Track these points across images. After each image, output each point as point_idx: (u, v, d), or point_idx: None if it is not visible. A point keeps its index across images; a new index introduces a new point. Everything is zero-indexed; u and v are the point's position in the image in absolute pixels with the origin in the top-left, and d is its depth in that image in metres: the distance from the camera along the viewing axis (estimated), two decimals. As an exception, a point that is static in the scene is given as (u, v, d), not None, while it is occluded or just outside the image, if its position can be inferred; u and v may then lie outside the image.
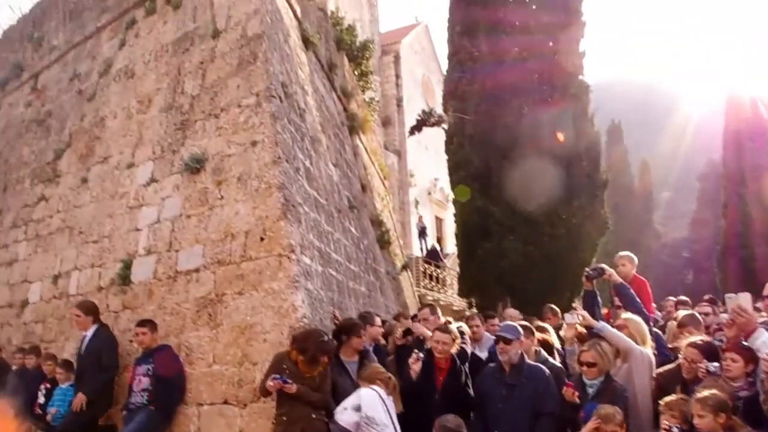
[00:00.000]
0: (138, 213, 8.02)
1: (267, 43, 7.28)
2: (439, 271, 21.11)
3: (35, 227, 9.87)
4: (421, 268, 20.26)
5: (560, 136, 11.56)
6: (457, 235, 13.62)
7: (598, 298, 5.87)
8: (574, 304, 6.76)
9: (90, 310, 6.89)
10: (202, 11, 8.45)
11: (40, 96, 11.72)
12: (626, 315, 5.34)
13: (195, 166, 7.33)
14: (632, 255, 6.72)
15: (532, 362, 5.18)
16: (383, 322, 7.18)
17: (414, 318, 7.10)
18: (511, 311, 8.51)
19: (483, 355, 5.97)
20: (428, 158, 28.39)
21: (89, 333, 6.77)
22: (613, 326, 5.13)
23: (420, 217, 26.43)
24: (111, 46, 10.15)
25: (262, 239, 6.32)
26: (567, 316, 5.55)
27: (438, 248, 23.78)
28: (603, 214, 12.49)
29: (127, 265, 7.70)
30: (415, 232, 25.53)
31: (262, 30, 7.38)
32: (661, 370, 4.89)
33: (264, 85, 6.97)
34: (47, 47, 12.11)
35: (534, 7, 12.22)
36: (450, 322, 5.87)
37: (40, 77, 12.00)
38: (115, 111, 9.30)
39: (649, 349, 5.01)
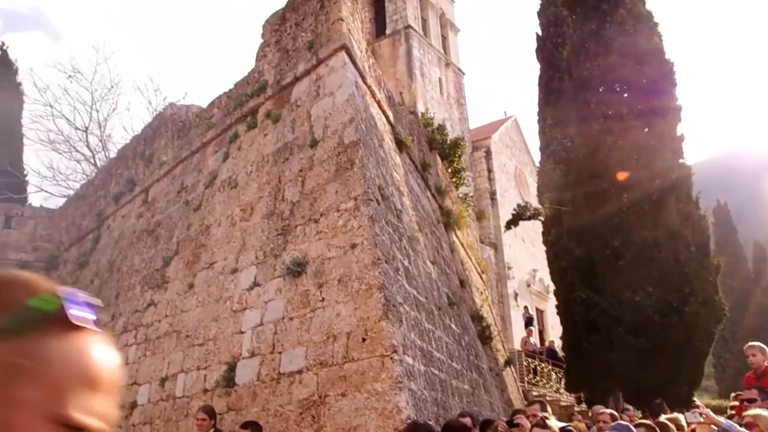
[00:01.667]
0: (242, 316, 8.65)
1: (363, 150, 7.97)
2: (543, 365, 20.59)
3: (144, 331, 10.76)
4: (525, 362, 19.83)
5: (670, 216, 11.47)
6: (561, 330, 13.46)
7: None
8: (694, 399, 6.56)
9: (212, 414, 7.40)
10: (300, 123, 9.39)
11: (150, 208, 13.07)
12: (755, 411, 5.17)
13: (296, 270, 7.92)
14: (763, 345, 6.52)
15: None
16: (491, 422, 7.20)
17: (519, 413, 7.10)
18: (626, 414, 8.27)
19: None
20: (525, 250, 28.60)
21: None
22: (741, 424, 5.00)
23: (525, 308, 26.29)
24: (215, 159, 11.32)
25: (364, 340, 6.68)
26: (688, 414, 5.45)
27: (556, 347, 23.29)
28: (718, 300, 12.03)
29: (232, 368, 8.24)
30: (517, 325, 25.26)
31: (357, 137, 8.12)
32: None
33: (361, 190, 7.59)
34: (157, 163, 13.62)
35: (626, 95, 12.53)
36: (547, 418, 5.87)
37: (150, 190, 13.43)
38: (220, 219, 10.25)
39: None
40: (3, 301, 0.69)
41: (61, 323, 0.69)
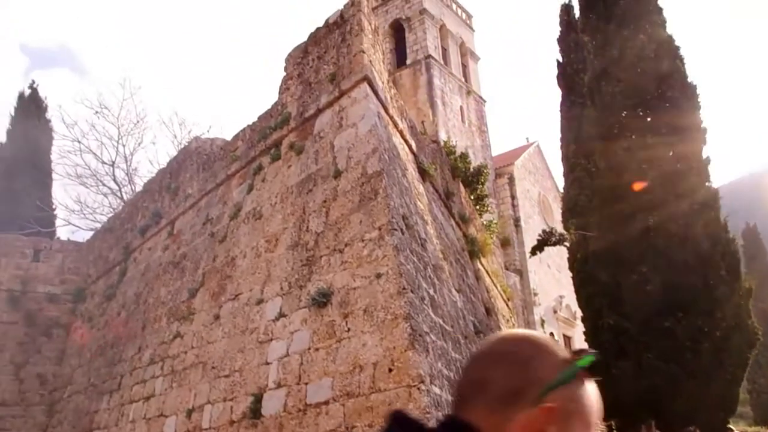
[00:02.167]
0: (267, 347, 8.72)
1: (386, 179, 8.08)
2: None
3: (171, 363, 10.87)
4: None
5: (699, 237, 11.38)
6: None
7: None
8: (729, 426, 6.45)
9: None
10: (323, 154, 9.55)
11: (176, 240, 13.29)
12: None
13: (322, 300, 7.99)
14: None
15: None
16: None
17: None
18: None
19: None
20: (551, 276, 28.52)
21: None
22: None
23: (551, 335, 26.05)
24: (240, 191, 11.53)
25: (390, 370, 6.70)
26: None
27: None
28: (750, 324, 11.84)
29: (258, 399, 8.29)
30: None
31: (381, 167, 8.24)
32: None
33: (385, 219, 7.68)
34: (182, 195, 13.88)
35: (649, 119, 12.54)
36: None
37: (176, 223, 13.67)
38: (245, 251, 10.39)
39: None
40: (555, 360, 0.98)
41: (584, 373, 0.98)
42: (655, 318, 11.30)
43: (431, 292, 8.00)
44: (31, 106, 26.27)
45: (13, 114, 26.21)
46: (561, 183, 14.92)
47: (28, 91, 26.89)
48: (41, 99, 26.95)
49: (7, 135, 25.65)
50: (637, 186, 11.97)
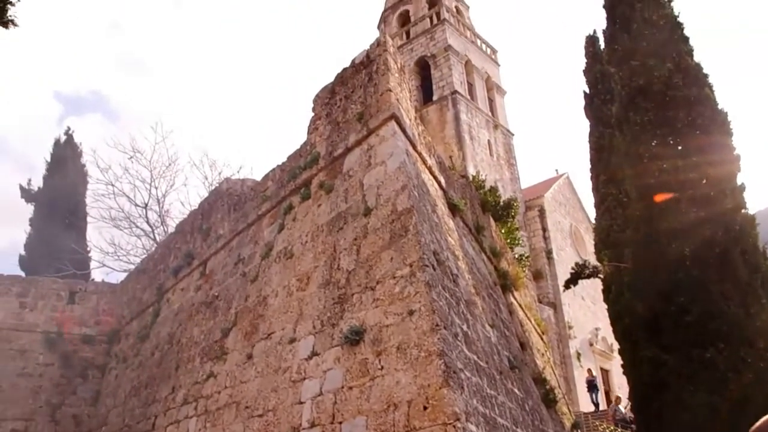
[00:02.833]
0: (301, 386, 8.75)
1: (416, 216, 8.16)
2: (612, 427, 19.84)
3: (204, 403, 10.94)
4: (593, 426, 19.16)
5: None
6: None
7: None
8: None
9: None
10: (353, 192, 9.68)
11: (209, 280, 13.49)
12: None
13: (354, 338, 8.02)
14: None
15: None
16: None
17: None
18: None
19: None
20: (586, 308, 28.28)
21: None
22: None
23: (589, 370, 25.61)
24: (271, 230, 11.70)
25: (425, 408, 6.67)
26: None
27: (621, 407, 22.47)
28: (796, 353, 11.47)
29: (293, 439, 8.29)
30: (582, 386, 24.57)
31: (411, 204, 8.32)
32: None
33: (416, 256, 7.73)
34: (214, 236, 14.12)
35: (680, 147, 12.46)
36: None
37: (208, 263, 13.89)
38: (277, 290, 10.50)
39: None
40: None
41: None
42: (695, 349, 11.07)
43: (464, 327, 7.98)
44: (66, 152, 27.20)
45: (49, 160, 27.14)
46: (592, 214, 14.82)
47: (63, 138, 27.88)
48: (76, 145, 27.89)
49: (44, 181, 26.52)
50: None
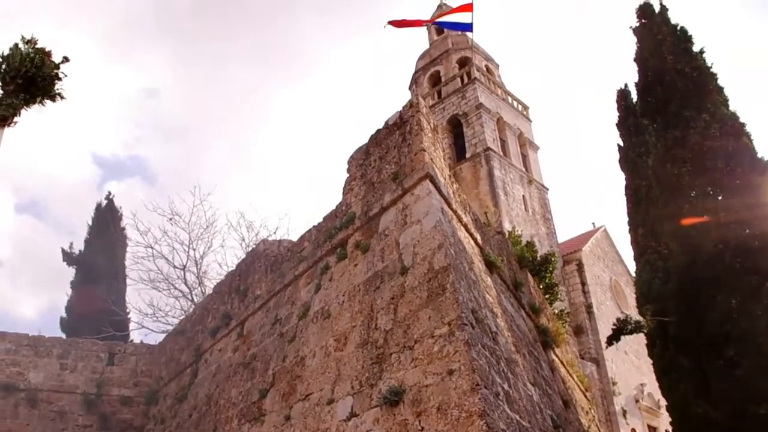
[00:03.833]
0: (340, 449, 8.68)
1: (453, 274, 8.21)
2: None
3: (243, 468, 10.89)
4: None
5: None
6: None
7: None
8: None
9: None
10: (389, 251, 9.80)
11: (246, 341, 13.60)
12: None
13: (393, 399, 7.98)
14: None
15: None
16: None
17: None
18: None
19: None
20: (630, 363, 27.56)
21: None
22: None
23: (633, 430, 24.82)
24: (308, 290, 11.83)
25: (468, 471, 6.57)
26: None
27: None
28: None
29: (333, 505, 8.18)
30: None
31: (447, 262, 8.39)
32: None
33: (455, 314, 7.74)
34: (251, 297, 14.31)
35: (720, 197, 12.34)
36: None
37: (245, 324, 14.04)
38: (314, 350, 10.55)
39: None
40: None
41: None
42: (750, 405, 10.69)
43: (506, 387, 7.89)
44: (107, 216, 28.05)
45: (90, 224, 28.03)
46: (632, 266, 14.64)
47: (105, 202, 28.83)
48: (116, 209, 28.76)
49: (85, 244, 27.33)
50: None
